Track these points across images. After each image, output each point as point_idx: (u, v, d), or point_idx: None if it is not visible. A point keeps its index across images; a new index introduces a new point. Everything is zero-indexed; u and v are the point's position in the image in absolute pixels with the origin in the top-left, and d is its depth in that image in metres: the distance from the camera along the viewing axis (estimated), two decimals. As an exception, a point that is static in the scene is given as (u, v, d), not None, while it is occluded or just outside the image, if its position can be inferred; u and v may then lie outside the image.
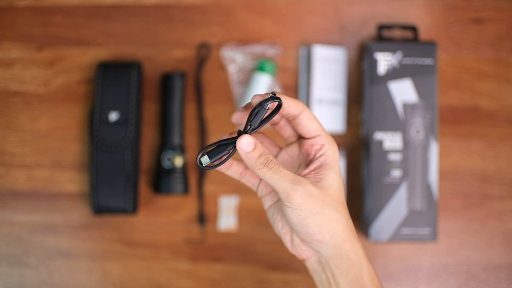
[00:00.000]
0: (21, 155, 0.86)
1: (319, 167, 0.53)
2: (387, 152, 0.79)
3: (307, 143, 0.55)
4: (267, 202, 0.58)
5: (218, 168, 0.54)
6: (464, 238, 0.85)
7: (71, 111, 0.87)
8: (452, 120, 0.86)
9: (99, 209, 0.83)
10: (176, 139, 0.84)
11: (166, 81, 0.85)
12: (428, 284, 0.84)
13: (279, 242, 0.85)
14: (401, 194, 0.78)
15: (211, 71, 0.87)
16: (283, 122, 0.56)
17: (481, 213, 0.85)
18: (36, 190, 0.86)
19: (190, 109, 0.87)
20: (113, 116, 0.83)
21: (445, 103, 0.86)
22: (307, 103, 0.84)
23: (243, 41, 0.87)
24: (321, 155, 0.54)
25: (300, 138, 0.56)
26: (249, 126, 0.51)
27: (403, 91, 0.79)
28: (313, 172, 0.53)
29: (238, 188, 0.86)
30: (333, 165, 0.53)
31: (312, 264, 0.55)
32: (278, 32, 0.87)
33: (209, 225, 0.85)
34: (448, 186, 0.85)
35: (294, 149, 0.57)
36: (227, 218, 0.85)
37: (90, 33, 0.87)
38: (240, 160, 0.55)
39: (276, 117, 0.54)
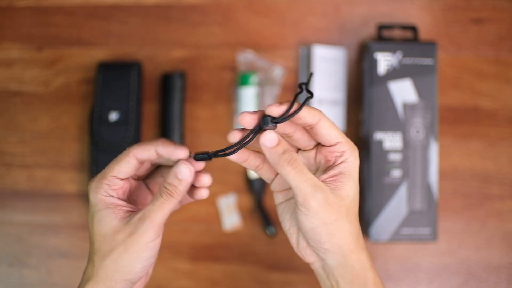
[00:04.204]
0: (21, 155, 0.86)
1: (338, 174, 0.51)
2: (387, 152, 0.79)
3: (326, 149, 0.52)
4: (279, 199, 0.56)
5: (234, 159, 0.52)
6: (464, 238, 0.85)
7: (71, 111, 0.87)
8: (452, 120, 0.86)
9: (99, 209, 0.82)
10: (176, 139, 0.84)
11: (166, 81, 0.85)
12: (428, 284, 0.84)
13: (279, 242, 0.85)
14: (401, 194, 0.78)
15: (211, 71, 0.87)
16: (297, 135, 0.53)
17: (481, 213, 0.85)
18: (36, 190, 0.86)
19: (190, 109, 0.87)
20: (113, 116, 0.83)
21: (445, 103, 0.86)
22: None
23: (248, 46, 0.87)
24: (341, 162, 0.52)
25: (318, 144, 0.54)
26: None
27: (403, 91, 0.79)
28: (331, 179, 0.51)
29: (236, 186, 0.86)
30: (353, 174, 0.52)
31: (316, 269, 0.54)
32: (278, 32, 0.87)
33: (210, 225, 0.85)
34: (448, 186, 0.85)
35: (311, 153, 0.54)
36: (229, 217, 0.85)
37: (90, 33, 0.87)
38: (258, 152, 0.54)
39: (290, 130, 0.52)
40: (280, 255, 0.85)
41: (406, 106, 0.79)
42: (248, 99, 0.84)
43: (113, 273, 0.51)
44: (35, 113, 0.87)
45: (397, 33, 0.85)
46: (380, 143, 0.79)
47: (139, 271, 0.51)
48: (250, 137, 0.50)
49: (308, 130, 0.52)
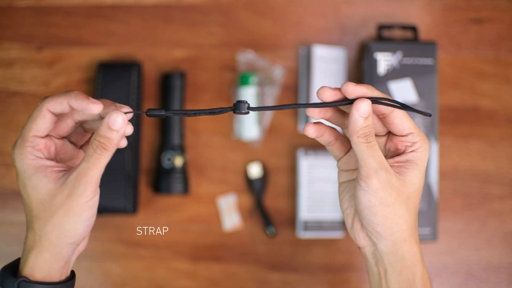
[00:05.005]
0: (21, 155, 0.86)
1: (405, 161, 0.52)
2: (387, 152, 0.79)
3: (397, 138, 0.53)
4: (342, 177, 0.56)
5: (311, 134, 0.53)
6: (464, 238, 0.85)
7: (71, 111, 0.87)
8: (452, 120, 0.86)
9: (99, 209, 0.82)
10: (176, 139, 0.84)
11: (166, 81, 0.85)
12: (428, 284, 0.84)
13: (279, 242, 0.85)
14: (401, 194, 0.78)
15: (211, 71, 0.87)
16: (374, 119, 0.53)
17: (481, 213, 0.85)
18: (36, 190, 0.86)
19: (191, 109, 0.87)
20: (113, 116, 0.83)
21: (445, 103, 0.86)
22: (307, 102, 0.84)
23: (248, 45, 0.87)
24: (411, 151, 0.52)
25: (390, 133, 0.54)
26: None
27: (403, 91, 0.79)
28: (397, 164, 0.52)
29: (236, 186, 0.86)
30: (420, 164, 0.52)
31: (366, 254, 0.54)
32: (278, 32, 0.87)
33: (210, 225, 0.85)
34: (448, 186, 0.85)
35: (382, 139, 0.54)
36: (229, 217, 0.85)
37: (90, 33, 0.87)
38: (333, 129, 0.54)
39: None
40: (280, 255, 0.85)
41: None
42: (248, 99, 0.84)
43: (57, 239, 0.50)
44: (35, 113, 0.87)
45: (397, 33, 0.85)
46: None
47: (82, 232, 0.51)
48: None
49: (381, 118, 0.52)
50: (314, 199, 0.83)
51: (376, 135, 0.54)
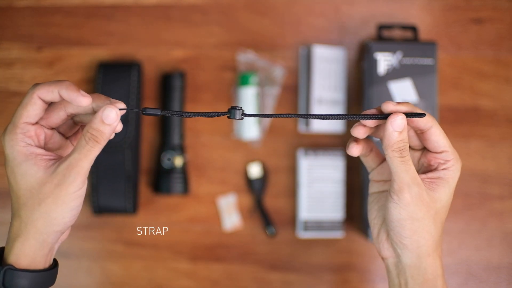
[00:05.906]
0: (21, 155, 0.86)
1: (437, 178, 0.53)
2: (387, 152, 0.79)
3: (431, 155, 0.54)
4: (373, 188, 0.58)
5: (353, 153, 0.55)
6: (464, 238, 0.85)
7: (71, 111, 0.87)
8: (452, 120, 0.86)
9: (99, 209, 0.83)
10: (176, 139, 0.84)
11: (166, 81, 0.85)
12: (428, 284, 0.84)
13: (279, 242, 0.85)
14: (401, 194, 0.78)
15: (211, 71, 0.87)
16: (410, 133, 0.55)
17: (481, 213, 0.85)
18: (36, 190, 0.86)
19: (190, 110, 0.87)
20: (113, 116, 0.83)
21: (445, 103, 0.86)
22: (307, 103, 0.84)
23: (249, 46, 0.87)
24: (443, 169, 0.53)
25: (424, 148, 0.55)
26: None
27: (403, 91, 0.79)
28: (428, 180, 0.53)
29: (236, 187, 0.86)
30: (450, 182, 0.53)
31: (389, 265, 0.55)
32: (278, 32, 0.87)
33: (210, 225, 0.85)
34: (448, 186, 0.85)
35: (416, 154, 0.56)
36: (229, 217, 0.85)
37: (90, 33, 0.87)
38: (368, 141, 0.55)
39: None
40: (280, 255, 0.85)
41: (406, 106, 0.79)
42: (248, 99, 0.84)
43: (44, 227, 0.50)
44: (35, 113, 0.87)
45: (397, 33, 0.85)
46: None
47: (69, 221, 0.51)
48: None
49: (418, 134, 0.54)
50: (314, 199, 0.83)
51: (412, 149, 0.55)
